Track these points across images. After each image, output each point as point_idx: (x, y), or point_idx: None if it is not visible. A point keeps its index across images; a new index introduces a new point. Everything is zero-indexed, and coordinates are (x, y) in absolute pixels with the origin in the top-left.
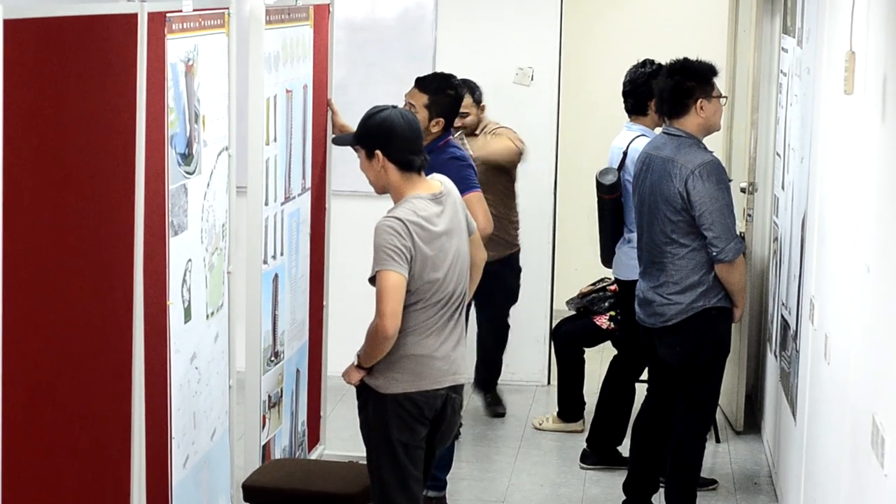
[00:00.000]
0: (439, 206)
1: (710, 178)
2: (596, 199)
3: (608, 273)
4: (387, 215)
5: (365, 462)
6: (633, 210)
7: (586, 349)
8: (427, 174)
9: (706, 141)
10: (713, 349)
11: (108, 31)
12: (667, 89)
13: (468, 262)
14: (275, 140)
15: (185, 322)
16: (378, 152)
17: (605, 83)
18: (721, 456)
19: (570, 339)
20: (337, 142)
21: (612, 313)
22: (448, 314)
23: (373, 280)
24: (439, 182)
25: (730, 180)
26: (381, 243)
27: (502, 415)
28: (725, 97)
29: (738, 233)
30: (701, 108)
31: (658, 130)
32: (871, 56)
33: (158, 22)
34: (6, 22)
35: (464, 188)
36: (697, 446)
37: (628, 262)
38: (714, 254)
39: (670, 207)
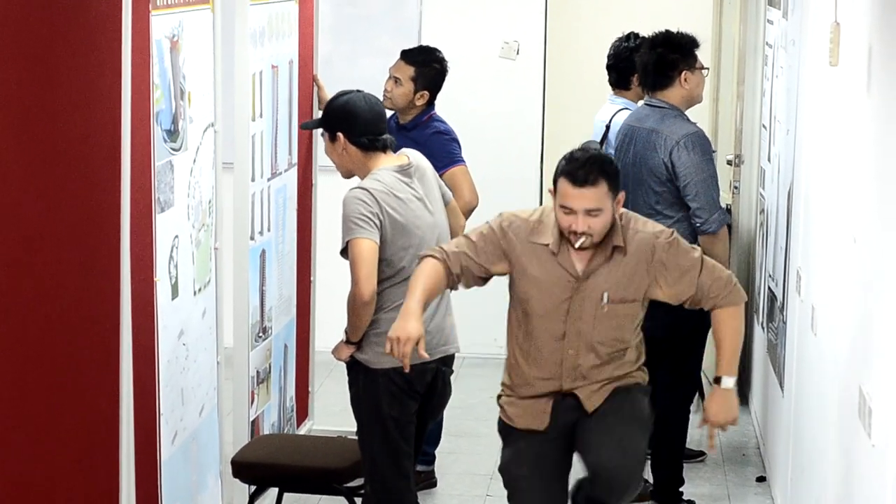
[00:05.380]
0: (407, 177)
1: (696, 148)
2: None
3: None
4: (353, 187)
5: (354, 437)
6: None
7: None
8: (410, 148)
9: (692, 112)
10: (696, 321)
11: (93, 7)
12: (650, 62)
13: (448, 232)
14: (261, 116)
15: (173, 298)
16: (340, 135)
17: (590, 56)
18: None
19: None
20: (305, 126)
21: None
22: None
23: (344, 252)
24: (406, 156)
25: (714, 151)
26: (348, 213)
27: None
28: (707, 69)
29: (725, 205)
30: (685, 79)
31: (641, 103)
32: (856, 27)
33: None
34: None
35: (448, 162)
36: (682, 417)
37: None
38: (698, 224)
39: (655, 178)
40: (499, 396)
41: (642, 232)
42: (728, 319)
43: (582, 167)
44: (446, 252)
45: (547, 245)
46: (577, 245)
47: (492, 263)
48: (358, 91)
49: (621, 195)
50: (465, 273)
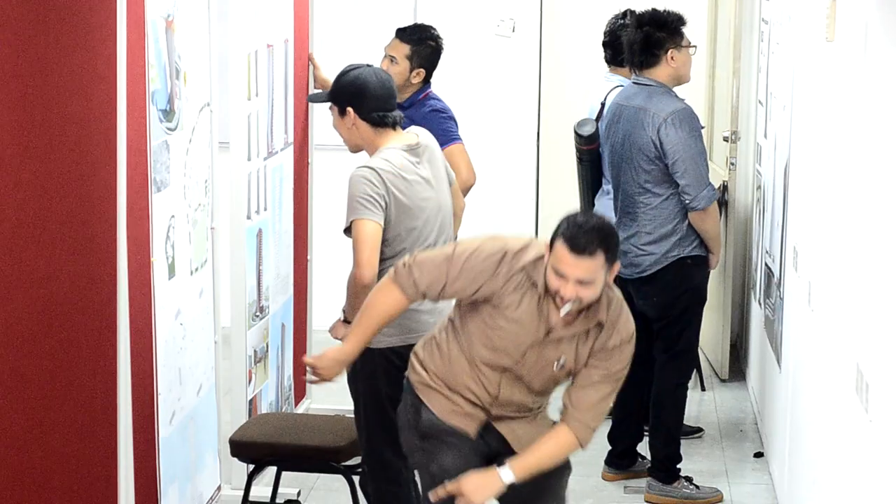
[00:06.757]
0: (415, 157)
1: (683, 125)
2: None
3: None
4: (360, 165)
5: (351, 415)
6: None
7: None
8: (407, 127)
9: (684, 89)
10: (690, 298)
11: None
12: (637, 41)
13: (451, 215)
14: (256, 95)
15: (170, 278)
16: (350, 110)
17: (586, 33)
18: (706, 404)
19: None
20: (312, 99)
21: None
22: None
23: (348, 231)
24: (415, 134)
25: (702, 127)
26: (354, 193)
27: None
28: (695, 46)
29: (722, 181)
30: (672, 58)
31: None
32: (852, 2)
33: None
34: None
35: (445, 140)
36: (678, 395)
37: (607, 214)
38: (687, 202)
39: (643, 156)
40: (423, 384)
41: (619, 329)
42: (557, 438)
43: (584, 235)
44: (413, 275)
45: (536, 285)
46: (562, 313)
47: (467, 289)
48: (368, 65)
49: (616, 266)
50: (429, 293)
